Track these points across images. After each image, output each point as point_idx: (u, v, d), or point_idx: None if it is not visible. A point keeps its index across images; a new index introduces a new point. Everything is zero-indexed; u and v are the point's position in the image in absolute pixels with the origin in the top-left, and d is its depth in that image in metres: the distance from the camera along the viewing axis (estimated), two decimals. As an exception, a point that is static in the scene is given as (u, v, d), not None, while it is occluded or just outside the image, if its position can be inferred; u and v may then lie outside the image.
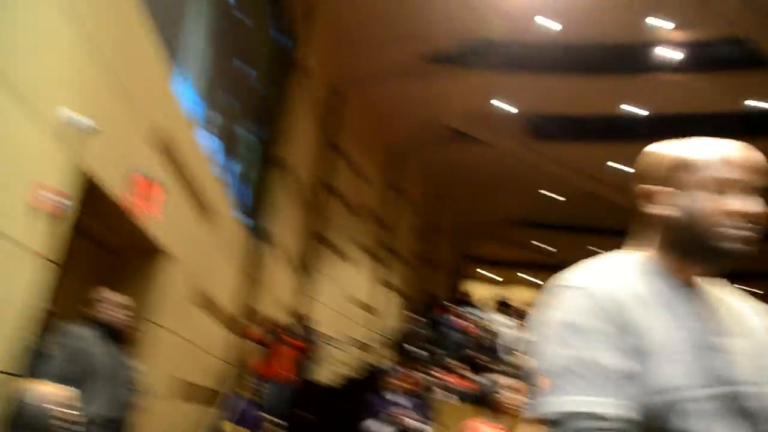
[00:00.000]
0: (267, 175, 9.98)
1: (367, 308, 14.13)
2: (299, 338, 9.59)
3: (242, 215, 9.10)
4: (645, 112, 15.18)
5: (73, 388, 3.06)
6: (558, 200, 17.96)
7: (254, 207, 9.76)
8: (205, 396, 7.84)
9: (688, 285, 1.17)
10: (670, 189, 1.16)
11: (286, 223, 10.40)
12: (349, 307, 13.23)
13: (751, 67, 13.18)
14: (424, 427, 6.46)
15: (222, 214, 8.03)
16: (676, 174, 1.15)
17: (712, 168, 1.12)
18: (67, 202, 3.71)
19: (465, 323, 12.82)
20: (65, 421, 2.88)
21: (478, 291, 21.17)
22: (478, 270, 24.51)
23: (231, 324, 8.61)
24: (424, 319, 13.00)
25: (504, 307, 14.09)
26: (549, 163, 16.19)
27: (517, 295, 17.42)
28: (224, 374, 8.40)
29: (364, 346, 13.61)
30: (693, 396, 1.05)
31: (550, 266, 19.99)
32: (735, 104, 14.67)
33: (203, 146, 7.28)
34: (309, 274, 11.64)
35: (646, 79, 14.05)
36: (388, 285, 15.13)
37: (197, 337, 7.58)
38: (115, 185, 4.46)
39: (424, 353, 11.86)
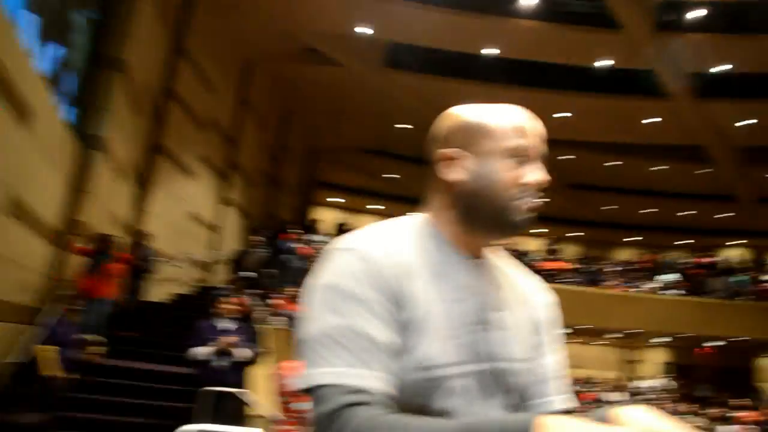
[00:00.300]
0: (102, 75, 9.11)
1: (207, 226, 13.66)
2: (130, 254, 9.09)
3: (70, 119, 8.28)
4: (498, 54, 15.59)
5: None
6: (408, 130, 18.22)
7: (85, 111, 8.93)
8: (20, 314, 7.25)
9: (471, 256, 1.14)
10: (467, 155, 1.11)
11: (121, 130, 9.63)
12: (189, 224, 12.70)
13: (603, 26, 13.90)
14: (248, 351, 6.40)
15: (44, 116, 7.24)
16: (473, 140, 1.11)
17: (508, 136, 1.10)
18: None
19: (309, 250, 12.81)
20: None
21: (326, 217, 21.28)
22: (327, 196, 24.56)
23: (53, 237, 7.95)
24: (266, 243, 12.81)
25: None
26: (402, 93, 16.29)
27: (364, 223, 17.65)
28: (43, 291, 7.79)
29: (201, 266, 13.25)
30: (456, 372, 1.04)
31: (398, 197, 20.58)
32: (585, 59, 15.51)
33: (23, 40, 6.43)
34: (146, 187, 10.97)
35: (504, 23, 14.36)
36: (231, 204, 14.67)
37: (10, 250, 6.93)
38: None
39: (262, 278, 11.75)
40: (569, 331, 21.23)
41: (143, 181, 10.93)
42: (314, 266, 1.11)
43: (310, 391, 0.98)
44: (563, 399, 1.19)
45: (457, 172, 1.11)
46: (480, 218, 1.11)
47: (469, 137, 1.11)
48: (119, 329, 8.69)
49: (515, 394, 1.11)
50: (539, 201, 1.12)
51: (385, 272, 1.03)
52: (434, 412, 1.01)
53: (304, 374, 0.99)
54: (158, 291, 11.10)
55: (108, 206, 9.41)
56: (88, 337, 7.47)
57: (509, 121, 1.11)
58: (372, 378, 0.96)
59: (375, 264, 1.03)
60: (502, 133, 1.10)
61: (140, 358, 8.26)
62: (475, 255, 1.15)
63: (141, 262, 9.39)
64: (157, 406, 7.20)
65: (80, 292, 7.72)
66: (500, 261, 1.22)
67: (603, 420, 0.94)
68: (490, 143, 1.10)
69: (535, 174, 1.11)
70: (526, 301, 1.21)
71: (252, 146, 15.62)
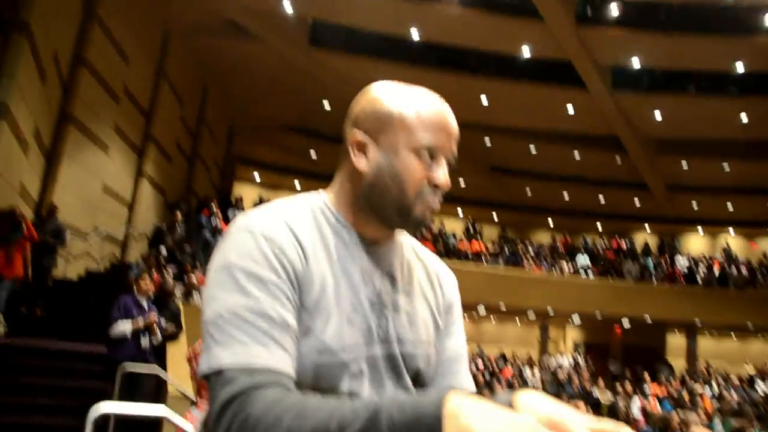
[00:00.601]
0: (5, 39, 8.49)
1: (122, 201, 13.05)
2: (36, 230, 8.55)
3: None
4: (422, 37, 15.61)
5: None
6: (331, 109, 18.01)
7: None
8: None
9: (370, 240, 1.11)
10: (374, 144, 1.06)
11: (25, 98, 9.00)
12: (103, 198, 12.09)
13: (525, 15, 14.12)
14: (167, 330, 6.19)
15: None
16: (383, 129, 1.06)
17: (419, 132, 1.04)
18: None
19: (229, 226, 12.48)
20: None
21: (249, 195, 20.83)
22: (248, 173, 24.05)
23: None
24: (185, 219, 12.37)
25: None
26: (325, 72, 16.07)
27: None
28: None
29: (115, 241, 12.68)
30: (355, 356, 1.02)
31: (320, 175, 20.36)
32: (508, 47, 15.74)
33: None
34: (54, 159, 10.34)
35: (430, 7, 14.36)
36: (148, 179, 14.06)
37: None
38: None
39: (180, 254, 11.37)
40: (487, 310, 21.75)
41: (51, 153, 10.30)
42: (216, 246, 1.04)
43: (212, 373, 0.92)
44: (463, 381, 1.19)
45: (363, 160, 1.07)
46: (377, 210, 1.07)
47: (381, 125, 1.06)
48: (25, 307, 8.21)
49: (417, 376, 1.10)
50: (438, 203, 1.08)
51: (284, 253, 1.00)
52: (337, 396, 0.97)
53: (205, 357, 0.93)
54: (69, 268, 10.56)
55: (12, 179, 8.81)
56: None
57: (424, 116, 1.06)
58: (275, 359, 0.92)
59: (273, 244, 0.99)
60: (414, 129, 1.05)
61: (50, 336, 7.84)
62: (376, 238, 1.11)
63: (49, 238, 8.84)
64: (69, 387, 6.86)
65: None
66: (403, 243, 1.18)
67: (507, 403, 0.92)
68: (400, 137, 1.05)
69: (440, 176, 1.06)
70: (428, 283, 1.19)
71: (169, 120, 14.99)
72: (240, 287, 0.95)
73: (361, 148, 1.07)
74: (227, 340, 0.92)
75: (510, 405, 0.90)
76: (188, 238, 12.04)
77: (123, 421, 5.53)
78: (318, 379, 0.99)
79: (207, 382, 0.95)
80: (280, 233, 1.01)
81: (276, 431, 0.82)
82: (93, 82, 11.24)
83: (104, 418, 4.69)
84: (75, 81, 10.72)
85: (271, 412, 0.84)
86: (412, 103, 1.07)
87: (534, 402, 0.83)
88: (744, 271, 19.89)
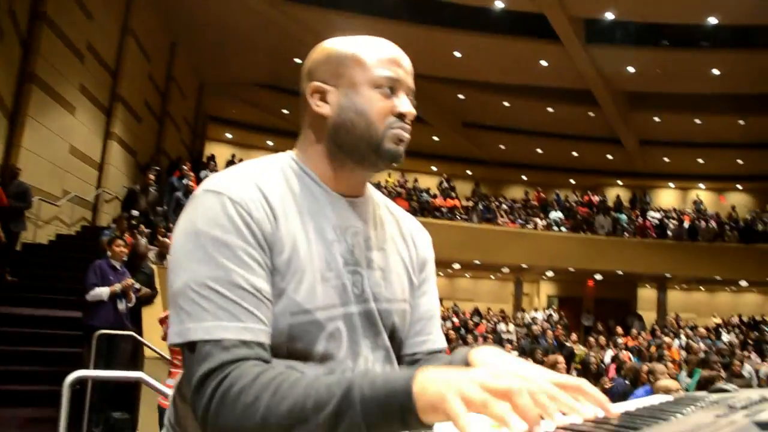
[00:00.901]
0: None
1: (91, 163, 12.76)
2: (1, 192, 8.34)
3: None
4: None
5: None
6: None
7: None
8: None
9: (344, 194, 1.10)
10: (333, 87, 1.07)
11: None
12: (70, 160, 11.80)
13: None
14: (142, 293, 6.15)
15: None
16: (340, 71, 1.07)
17: (375, 67, 1.06)
18: None
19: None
20: None
21: (220, 153, 20.52)
22: (220, 132, 23.68)
23: None
24: (155, 181, 12.17)
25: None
26: (297, 26, 15.72)
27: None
28: None
29: (86, 204, 12.44)
30: (330, 315, 1.01)
31: (293, 133, 20.12)
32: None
33: None
34: (17, 119, 10.03)
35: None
36: (117, 140, 13.74)
37: None
38: None
39: (152, 216, 11.22)
40: (461, 266, 21.95)
41: (14, 114, 9.98)
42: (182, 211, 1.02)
43: (184, 346, 0.91)
44: (436, 339, 1.19)
45: (324, 105, 1.07)
46: (348, 152, 1.07)
47: (336, 69, 1.07)
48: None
49: (392, 334, 1.10)
50: (407, 132, 1.08)
51: (252, 215, 0.97)
52: (312, 356, 0.99)
53: (177, 329, 0.91)
54: (39, 232, 10.36)
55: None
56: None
57: (377, 53, 1.08)
58: (249, 331, 0.91)
59: (241, 207, 0.97)
60: (370, 64, 1.06)
61: (20, 303, 7.71)
62: (348, 193, 1.11)
63: (14, 201, 8.62)
64: (45, 353, 6.79)
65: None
66: (375, 200, 1.19)
67: (464, 360, 0.98)
68: (357, 74, 1.06)
69: (403, 105, 1.07)
70: (402, 240, 1.19)
71: (136, 78, 14.56)
72: (208, 256, 0.93)
73: (321, 95, 1.08)
74: (198, 313, 0.90)
75: (466, 362, 0.97)
76: (161, 199, 11.86)
77: (101, 384, 5.50)
78: (293, 340, 0.98)
79: (178, 350, 0.94)
80: (247, 195, 0.99)
81: (254, 409, 0.83)
82: (54, 39, 10.84)
83: (82, 383, 4.65)
84: (35, 38, 10.33)
85: (249, 389, 0.84)
86: (363, 44, 1.09)
87: (488, 357, 0.86)
88: (713, 224, 20.28)
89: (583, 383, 0.77)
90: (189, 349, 0.90)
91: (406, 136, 1.07)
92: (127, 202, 11.63)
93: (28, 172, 9.36)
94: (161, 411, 4.89)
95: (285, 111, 20.80)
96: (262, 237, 0.97)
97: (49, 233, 10.78)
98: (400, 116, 1.06)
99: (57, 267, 8.97)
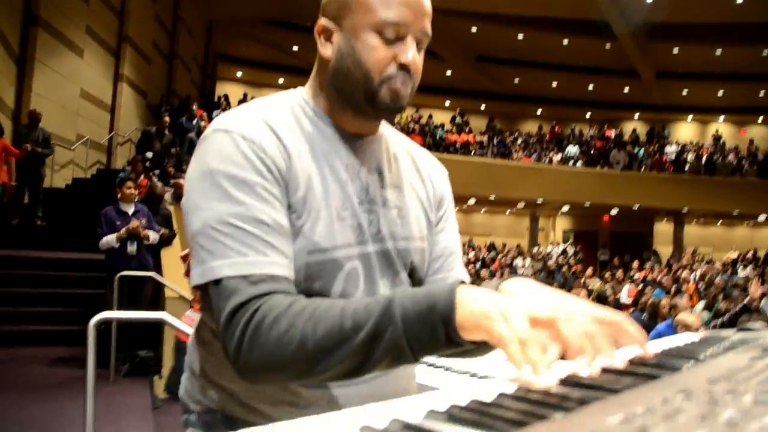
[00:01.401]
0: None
1: (102, 106, 12.72)
2: (23, 140, 8.37)
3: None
4: None
5: None
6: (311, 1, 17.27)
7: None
8: None
9: (352, 134, 1.06)
10: (337, 28, 1.01)
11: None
12: (82, 104, 11.76)
13: None
14: (156, 234, 6.21)
15: None
16: (343, 12, 1.00)
17: (384, 9, 0.97)
18: None
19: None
20: None
21: (233, 93, 20.34)
22: (231, 71, 23.41)
23: None
24: (168, 122, 12.11)
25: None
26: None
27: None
28: None
29: (100, 148, 12.47)
30: (346, 255, 1.00)
31: (305, 70, 19.89)
32: None
33: None
34: (27, 64, 9.95)
35: None
36: (127, 81, 13.63)
37: None
38: None
39: (166, 157, 11.22)
40: (476, 202, 21.94)
41: (21, 59, 9.89)
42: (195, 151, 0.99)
43: (210, 285, 0.89)
44: (458, 274, 1.16)
45: (327, 46, 1.03)
46: (346, 100, 1.02)
47: (341, 8, 1.00)
48: (19, 218, 8.19)
49: (411, 273, 1.09)
50: (409, 84, 1.01)
51: (266, 152, 0.95)
52: (330, 297, 0.97)
53: (200, 269, 0.90)
54: (56, 177, 10.44)
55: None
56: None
57: None
58: (275, 265, 0.90)
59: (255, 145, 0.95)
60: (374, 6, 0.97)
61: (43, 246, 7.86)
62: (360, 133, 1.07)
63: (36, 147, 8.63)
64: (68, 295, 6.94)
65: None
66: (390, 137, 1.15)
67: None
68: (360, 16, 0.98)
69: (407, 55, 0.98)
70: (418, 178, 1.16)
71: (143, 19, 14.33)
72: (226, 194, 0.91)
73: (327, 35, 1.03)
74: (222, 250, 0.89)
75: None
76: (174, 141, 11.84)
77: (124, 325, 5.63)
78: (310, 279, 0.97)
79: (201, 292, 0.93)
80: (259, 132, 0.97)
81: (290, 336, 0.82)
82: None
83: (107, 323, 4.77)
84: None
85: (282, 318, 0.83)
86: None
87: (522, 288, 0.83)
88: (731, 158, 19.99)
89: (624, 319, 0.75)
90: (214, 288, 0.89)
91: (406, 89, 1.01)
92: (142, 144, 11.62)
93: (38, 116, 9.36)
94: (178, 345, 5.03)
95: (295, 48, 20.46)
96: (277, 173, 0.95)
97: (65, 177, 10.85)
98: (403, 67, 0.99)
99: (76, 210, 9.07)
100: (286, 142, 0.98)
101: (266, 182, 0.94)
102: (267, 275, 0.88)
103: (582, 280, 12.09)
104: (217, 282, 0.88)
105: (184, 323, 3.38)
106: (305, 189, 0.98)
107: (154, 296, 6.33)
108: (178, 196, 9.23)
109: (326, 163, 1.02)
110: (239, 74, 23.57)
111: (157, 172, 10.23)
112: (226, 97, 18.32)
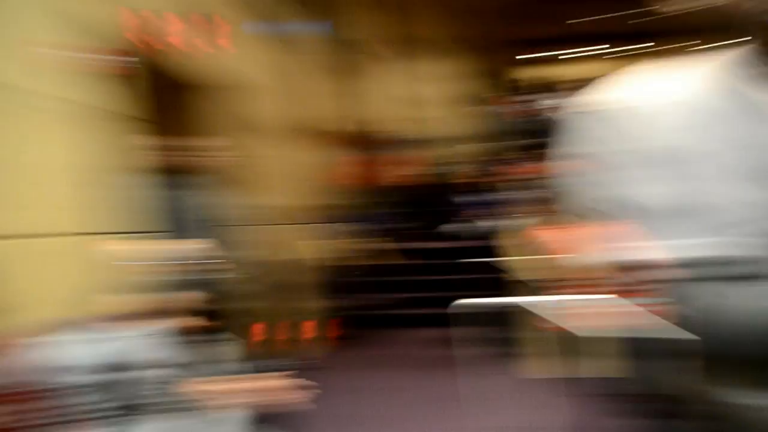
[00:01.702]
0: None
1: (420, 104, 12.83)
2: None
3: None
4: None
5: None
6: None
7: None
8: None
9: None
10: None
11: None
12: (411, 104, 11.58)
13: None
14: (496, 224, 6.28)
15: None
16: None
17: None
18: (133, 59, 3.55)
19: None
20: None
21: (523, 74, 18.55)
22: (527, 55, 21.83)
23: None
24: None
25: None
26: None
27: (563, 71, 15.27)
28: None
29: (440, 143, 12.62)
30: None
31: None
32: None
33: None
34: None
35: None
36: (451, 76, 13.42)
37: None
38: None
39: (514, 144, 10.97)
40: None
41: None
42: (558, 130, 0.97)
43: (667, 264, 0.85)
44: None
45: None
46: None
47: None
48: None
49: None
50: None
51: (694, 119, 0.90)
52: None
53: (658, 246, 0.86)
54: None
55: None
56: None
57: None
58: (725, 246, 0.85)
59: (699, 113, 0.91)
60: None
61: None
62: None
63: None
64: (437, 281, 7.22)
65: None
66: None
67: None
68: None
69: None
70: None
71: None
72: (662, 174, 0.89)
73: None
74: (672, 231, 0.87)
75: None
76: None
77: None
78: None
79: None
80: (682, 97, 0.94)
81: None
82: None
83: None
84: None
85: None
86: None
87: None
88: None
89: None
90: (677, 266, 0.86)
91: None
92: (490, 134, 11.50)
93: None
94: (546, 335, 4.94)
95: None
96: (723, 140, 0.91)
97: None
98: None
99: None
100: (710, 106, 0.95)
101: (700, 157, 0.90)
102: (716, 258, 0.87)
103: None
104: (669, 262, 0.86)
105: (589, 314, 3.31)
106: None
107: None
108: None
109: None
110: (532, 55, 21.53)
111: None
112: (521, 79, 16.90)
